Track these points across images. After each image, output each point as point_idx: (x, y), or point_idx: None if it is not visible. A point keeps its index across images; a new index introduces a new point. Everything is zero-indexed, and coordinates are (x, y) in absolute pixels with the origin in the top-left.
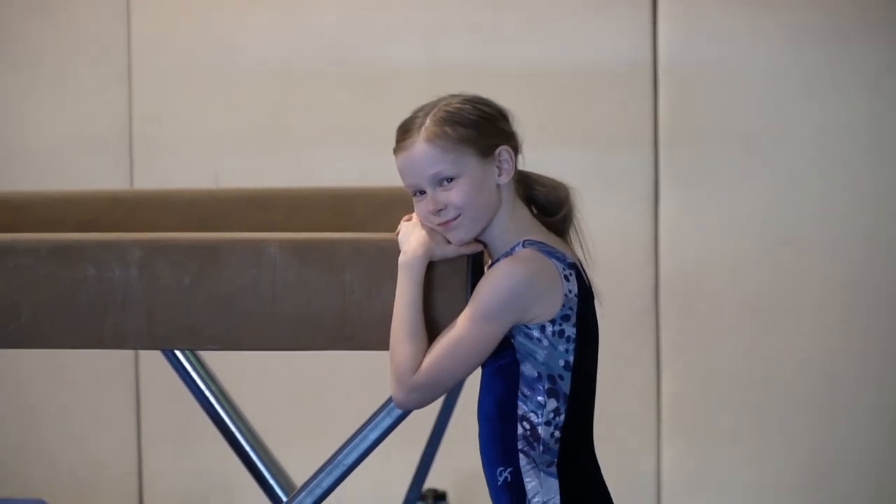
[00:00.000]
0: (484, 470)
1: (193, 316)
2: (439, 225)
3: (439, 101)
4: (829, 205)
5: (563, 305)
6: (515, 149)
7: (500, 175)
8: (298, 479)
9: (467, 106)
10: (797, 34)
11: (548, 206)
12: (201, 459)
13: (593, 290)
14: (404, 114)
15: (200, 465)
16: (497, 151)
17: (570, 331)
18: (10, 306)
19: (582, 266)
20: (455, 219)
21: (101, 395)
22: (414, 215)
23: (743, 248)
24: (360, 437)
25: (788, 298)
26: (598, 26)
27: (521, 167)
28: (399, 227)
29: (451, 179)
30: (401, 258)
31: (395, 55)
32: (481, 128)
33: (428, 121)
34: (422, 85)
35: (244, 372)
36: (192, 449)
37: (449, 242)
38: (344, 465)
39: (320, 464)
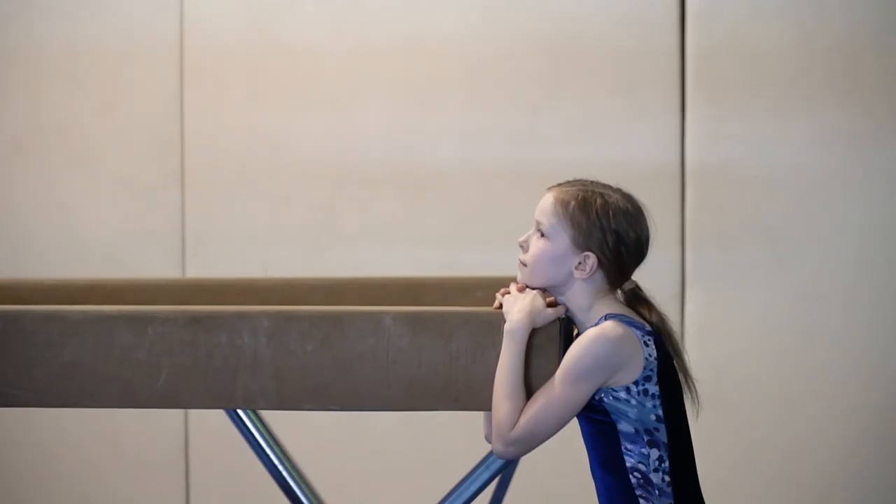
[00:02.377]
0: None
1: (317, 378)
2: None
3: (608, 188)
4: (854, 302)
5: (645, 367)
6: (608, 266)
7: (576, 269)
8: None
9: (608, 207)
10: (820, 136)
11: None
12: None
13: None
14: (445, 211)
15: None
16: (586, 253)
17: (654, 389)
18: (151, 368)
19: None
20: (524, 263)
21: (152, 471)
22: (512, 286)
23: (769, 344)
24: (461, 488)
25: (815, 393)
26: (629, 130)
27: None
28: (497, 298)
29: (542, 235)
30: (507, 326)
31: (437, 156)
32: (592, 228)
33: (573, 187)
34: (462, 184)
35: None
36: None
37: (547, 307)
38: None
39: None
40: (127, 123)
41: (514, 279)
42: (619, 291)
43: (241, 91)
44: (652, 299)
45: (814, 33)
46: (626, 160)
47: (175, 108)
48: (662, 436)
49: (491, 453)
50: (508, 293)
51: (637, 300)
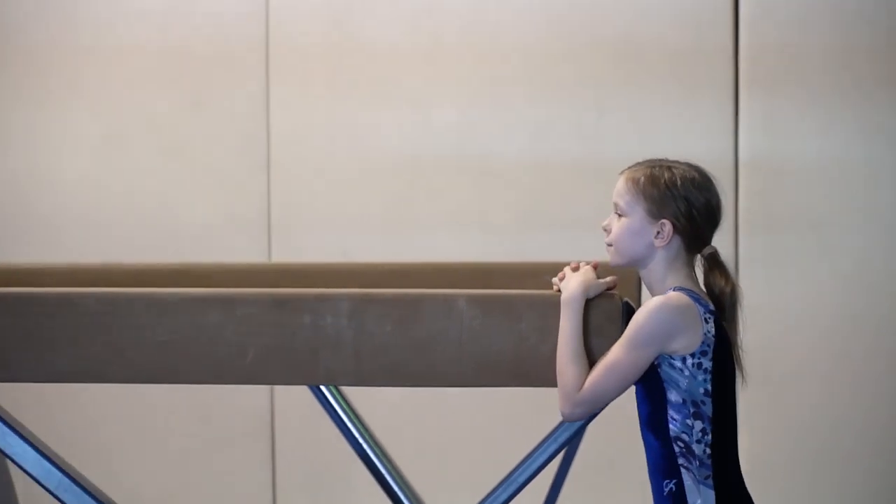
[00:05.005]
0: (651, 481)
1: (394, 357)
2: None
3: (674, 163)
4: (894, 285)
5: (702, 342)
6: (685, 233)
7: (655, 238)
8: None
9: (675, 178)
10: (862, 131)
11: (714, 285)
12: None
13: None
14: (513, 201)
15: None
16: (661, 221)
17: (707, 364)
18: (238, 348)
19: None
20: (609, 244)
21: (238, 444)
22: (566, 268)
23: (816, 325)
24: (530, 460)
25: (858, 373)
26: (686, 124)
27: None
28: (554, 283)
29: (620, 213)
30: (563, 297)
31: (506, 149)
32: (665, 197)
33: (643, 166)
34: (529, 176)
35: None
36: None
37: (600, 279)
38: (517, 482)
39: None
40: (217, 118)
41: (570, 264)
42: (697, 259)
43: (322, 88)
44: (728, 267)
45: (857, 34)
46: (683, 153)
47: (261, 103)
48: (708, 410)
49: (558, 427)
50: (561, 277)
51: (715, 264)
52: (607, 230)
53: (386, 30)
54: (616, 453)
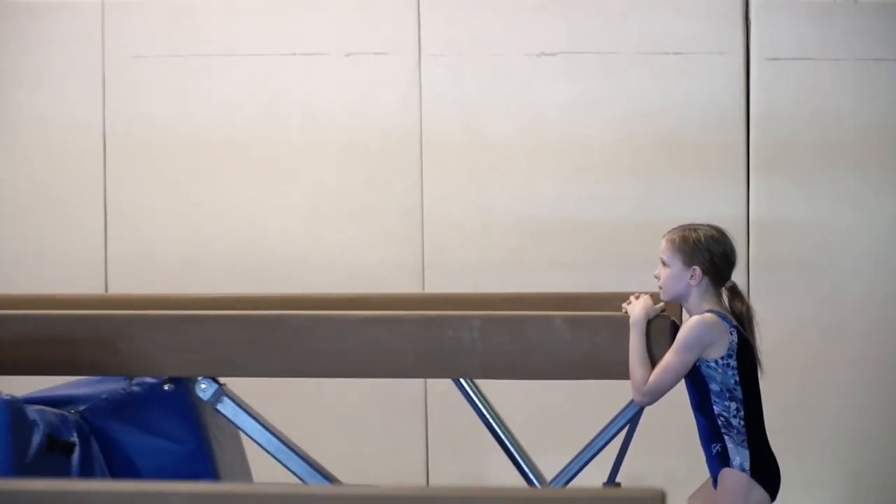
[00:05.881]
0: (702, 446)
1: (510, 359)
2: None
3: (699, 225)
4: (865, 308)
5: (728, 348)
6: (711, 274)
7: (690, 280)
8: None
9: (700, 237)
10: (843, 199)
11: (735, 308)
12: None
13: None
14: (592, 249)
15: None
16: (693, 267)
17: (733, 363)
18: (402, 353)
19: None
20: (660, 287)
21: (395, 419)
22: (631, 297)
23: (805, 334)
24: (606, 430)
25: (834, 368)
26: (710, 196)
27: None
28: (623, 307)
29: (664, 264)
30: (631, 318)
31: (587, 212)
32: (693, 251)
33: (677, 230)
34: (604, 231)
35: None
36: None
37: (655, 304)
38: (598, 445)
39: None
40: (384, 192)
41: (633, 294)
42: (722, 290)
43: (459, 169)
44: (744, 294)
45: (842, 129)
46: (708, 217)
47: (417, 182)
48: (739, 394)
49: (627, 406)
50: (629, 303)
51: (735, 293)
52: (657, 277)
53: (503, 130)
54: (665, 428)
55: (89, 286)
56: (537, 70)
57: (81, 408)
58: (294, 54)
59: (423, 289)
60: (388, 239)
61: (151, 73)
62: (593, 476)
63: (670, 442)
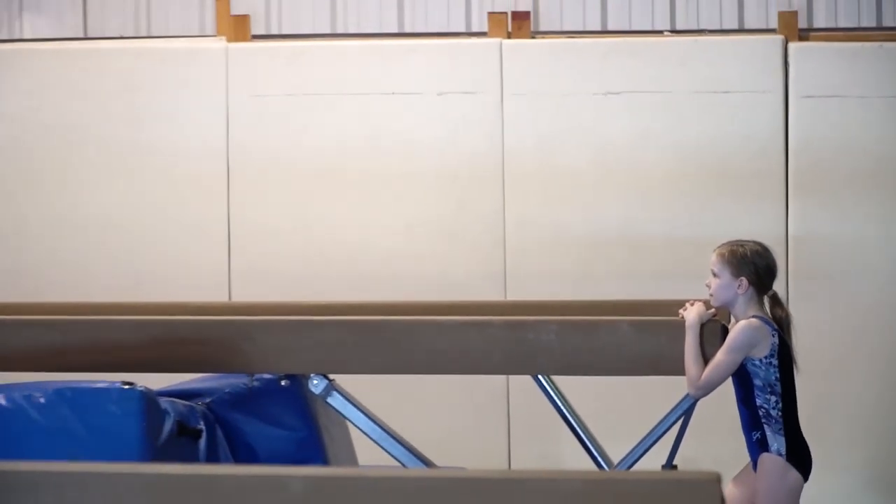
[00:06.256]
0: (744, 434)
1: (583, 358)
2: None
3: (746, 241)
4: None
5: (770, 349)
6: (755, 284)
7: (737, 289)
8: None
9: (746, 251)
10: (872, 218)
11: (776, 314)
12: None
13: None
14: (653, 262)
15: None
16: (740, 278)
17: (775, 362)
18: (488, 353)
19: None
20: (711, 294)
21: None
22: (686, 304)
23: (835, 335)
24: (665, 420)
25: (858, 366)
26: (755, 216)
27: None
28: (680, 313)
29: (715, 275)
30: (687, 324)
31: (650, 230)
32: (740, 263)
33: (726, 245)
34: (662, 247)
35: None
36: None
37: (707, 310)
38: (658, 432)
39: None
40: (471, 215)
41: (688, 301)
42: (765, 298)
43: (536, 192)
44: (783, 301)
45: (869, 156)
46: (753, 234)
47: (499, 204)
48: (778, 389)
49: (682, 399)
50: (685, 309)
51: (776, 301)
52: (708, 286)
53: (574, 159)
54: (713, 417)
55: (215, 295)
56: (604, 107)
57: (207, 400)
58: (393, 94)
59: (506, 297)
60: (474, 253)
61: (269, 110)
62: (648, 461)
63: (717, 429)
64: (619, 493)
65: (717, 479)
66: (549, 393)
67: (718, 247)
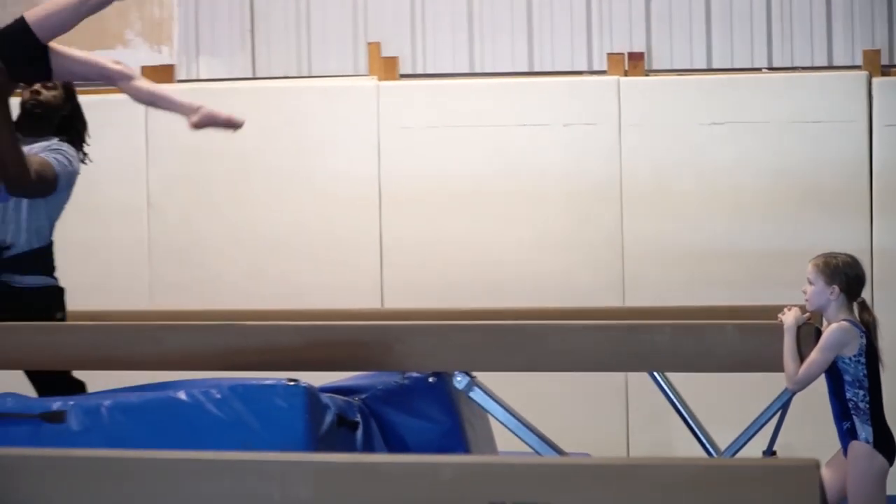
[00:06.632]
0: (835, 424)
1: (691, 356)
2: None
3: (838, 254)
4: None
5: (859, 348)
6: (846, 291)
7: (830, 295)
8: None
9: (839, 262)
10: None
11: (864, 318)
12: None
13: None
14: (750, 273)
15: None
16: (833, 286)
17: (863, 360)
18: (610, 352)
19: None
20: (806, 300)
21: (598, 399)
22: (784, 309)
23: None
24: (766, 412)
25: None
26: (844, 232)
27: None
28: (778, 317)
29: (810, 283)
30: (785, 326)
31: (741, 243)
32: (833, 273)
33: (821, 257)
34: (758, 260)
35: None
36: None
37: (802, 315)
38: (759, 423)
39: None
40: (585, 234)
41: (786, 306)
42: (854, 304)
43: (652, 213)
44: (870, 307)
45: None
46: (842, 248)
47: (617, 221)
48: (866, 383)
49: (781, 393)
50: (782, 313)
51: (864, 306)
52: (805, 292)
53: (684, 182)
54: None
55: (369, 302)
56: (709, 136)
57: (363, 395)
58: (524, 125)
59: (624, 303)
60: (596, 265)
61: (415, 141)
62: (748, 447)
63: (811, 420)
64: (728, 478)
65: (816, 465)
66: (663, 387)
67: (814, 258)
